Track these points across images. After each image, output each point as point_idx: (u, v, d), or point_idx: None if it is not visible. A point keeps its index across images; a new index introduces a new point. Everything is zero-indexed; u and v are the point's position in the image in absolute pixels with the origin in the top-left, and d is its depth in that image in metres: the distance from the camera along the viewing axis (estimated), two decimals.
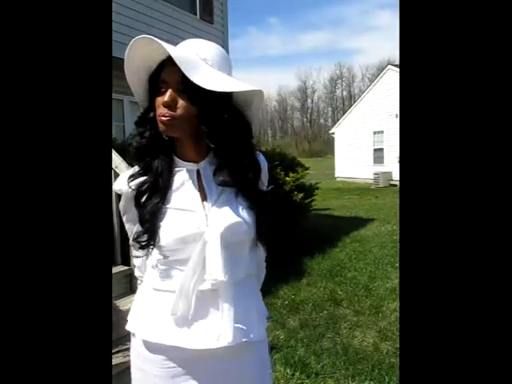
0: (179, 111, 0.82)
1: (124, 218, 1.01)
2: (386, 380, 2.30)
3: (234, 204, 0.88)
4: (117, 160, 2.57)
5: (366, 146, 16.37)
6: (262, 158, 0.96)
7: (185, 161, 0.90)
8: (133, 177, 0.90)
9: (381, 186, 14.13)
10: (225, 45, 7.62)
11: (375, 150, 15.95)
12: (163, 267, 0.92)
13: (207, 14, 7.17)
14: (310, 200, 5.58)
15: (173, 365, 0.92)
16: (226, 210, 0.86)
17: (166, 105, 0.82)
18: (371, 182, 14.80)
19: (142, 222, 0.89)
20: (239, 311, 0.88)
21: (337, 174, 18.18)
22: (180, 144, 0.89)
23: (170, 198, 0.88)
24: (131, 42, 0.83)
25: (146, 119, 0.88)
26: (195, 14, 6.98)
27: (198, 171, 0.90)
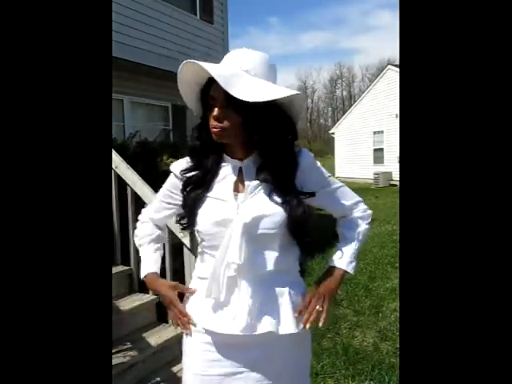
0: (226, 123, 0.95)
1: (159, 194, 1.16)
2: (386, 380, 2.30)
3: (267, 199, 0.97)
4: (117, 160, 2.57)
5: (366, 145, 16.37)
6: (304, 155, 1.04)
7: (232, 158, 1.03)
8: (185, 170, 1.05)
9: (381, 185, 14.12)
10: (225, 45, 7.62)
11: (375, 150, 15.95)
12: (202, 255, 1.06)
13: (207, 14, 7.17)
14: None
15: (208, 348, 1.02)
16: (258, 203, 0.97)
17: (215, 118, 0.95)
18: (371, 181, 14.79)
19: (184, 206, 1.04)
20: (263, 302, 0.97)
21: (337, 174, 18.17)
22: (229, 145, 1.02)
23: (212, 188, 1.01)
24: (181, 65, 0.95)
25: (202, 126, 1.02)
26: (195, 14, 6.97)
27: (240, 168, 1.02)
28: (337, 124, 19.29)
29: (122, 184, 2.62)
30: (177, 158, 3.98)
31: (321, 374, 2.37)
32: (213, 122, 0.96)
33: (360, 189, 13.74)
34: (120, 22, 5.26)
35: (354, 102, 18.96)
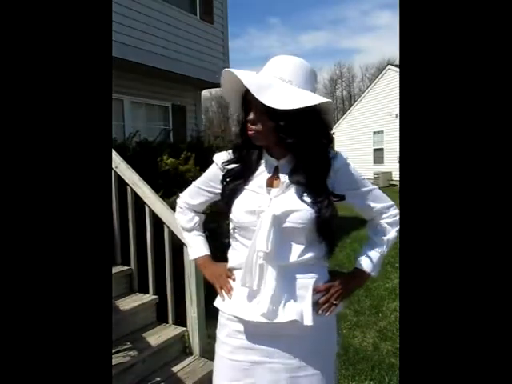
0: (259, 126, 1.03)
1: (198, 182, 1.25)
2: (386, 380, 2.30)
3: (298, 197, 1.04)
4: (117, 160, 2.57)
5: (366, 145, 16.37)
6: (339, 158, 1.10)
7: (270, 156, 1.10)
8: (227, 162, 1.15)
9: (381, 185, 14.11)
10: (225, 45, 7.62)
11: (375, 150, 15.95)
12: (234, 244, 1.14)
13: (207, 14, 7.16)
14: None
15: (238, 335, 1.10)
16: (289, 199, 1.04)
17: (250, 122, 1.04)
18: (371, 182, 14.78)
19: (222, 195, 1.14)
20: (288, 292, 1.03)
21: None
22: (266, 145, 1.10)
23: (249, 181, 1.10)
24: (222, 73, 1.04)
25: (244, 127, 1.09)
26: (195, 14, 6.97)
27: (276, 166, 1.09)
28: (337, 124, 19.28)
29: (122, 184, 2.62)
30: (177, 157, 3.96)
31: None
32: (249, 126, 1.04)
33: None
34: (120, 22, 5.26)
35: (354, 101, 18.95)
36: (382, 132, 15.46)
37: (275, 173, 1.09)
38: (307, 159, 1.05)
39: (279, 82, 0.99)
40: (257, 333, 1.07)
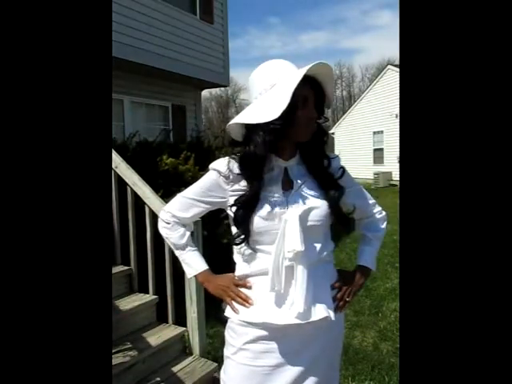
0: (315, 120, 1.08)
1: (190, 193, 1.17)
2: (386, 380, 2.30)
3: (312, 193, 1.08)
4: (117, 160, 2.57)
5: (366, 146, 16.36)
6: (335, 157, 1.17)
7: (279, 158, 1.11)
8: (236, 178, 1.09)
9: (381, 186, 14.11)
10: (225, 45, 7.61)
11: (375, 150, 15.94)
12: (252, 254, 1.09)
13: (207, 14, 7.16)
14: None
15: (258, 340, 1.07)
16: (305, 198, 1.07)
17: (312, 117, 1.06)
18: (371, 181, 14.79)
19: (238, 212, 1.07)
20: (314, 290, 1.04)
21: None
22: (283, 148, 1.10)
23: (262, 188, 1.07)
24: (318, 63, 1.01)
25: (285, 126, 1.04)
26: (195, 14, 6.97)
27: (285, 168, 1.11)
28: (337, 124, 19.28)
29: (122, 184, 2.62)
30: (177, 157, 3.95)
31: None
32: (311, 123, 1.06)
33: None
34: (120, 22, 5.26)
35: (354, 101, 18.95)
36: (381, 132, 15.46)
37: (285, 174, 1.11)
38: (310, 154, 1.11)
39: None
40: (281, 336, 1.06)
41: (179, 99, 7.31)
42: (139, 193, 2.52)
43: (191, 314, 2.41)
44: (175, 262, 2.50)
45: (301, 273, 1.02)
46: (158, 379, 2.18)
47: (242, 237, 1.06)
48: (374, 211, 1.25)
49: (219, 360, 2.39)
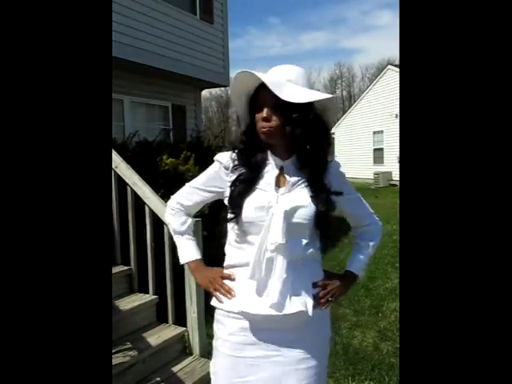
0: (274, 123, 1.10)
1: (196, 182, 1.26)
2: (386, 380, 2.30)
3: (303, 194, 1.13)
4: (117, 160, 2.57)
5: (366, 145, 16.36)
6: (334, 163, 1.20)
7: (276, 157, 1.16)
8: (234, 166, 1.17)
9: (381, 185, 14.10)
10: (225, 45, 7.61)
11: (375, 150, 15.94)
12: (239, 244, 1.16)
13: (207, 14, 7.16)
14: None
15: (243, 331, 1.12)
16: (296, 197, 1.12)
17: (264, 119, 1.09)
18: (371, 181, 14.78)
19: (231, 196, 1.15)
20: (294, 285, 1.08)
21: None
22: (274, 147, 1.16)
23: (257, 181, 1.14)
24: (235, 75, 1.10)
25: (250, 130, 1.16)
26: (195, 14, 6.96)
27: (282, 166, 1.16)
28: (337, 124, 19.27)
29: (122, 184, 2.62)
30: (177, 157, 3.95)
31: None
32: (262, 123, 1.10)
33: (360, 189, 13.70)
34: (120, 22, 5.26)
35: (354, 101, 18.95)
36: (381, 132, 15.46)
37: (281, 172, 1.16)
38: (309, 159, 1.14)
39: (289, 83, 1.09)
40: (262, 327, 1.11)
41: (179, 99, 7.31)
42: (139, 193, 2.52)
43: (191, 314, 2.41)
44: (175, 262, 2.50)
45: (280, 265, 1.07)
46: (158, 379, 2.18)
47: (233, 215, 1.14)
48: (370, 221, 1.28)
49: None
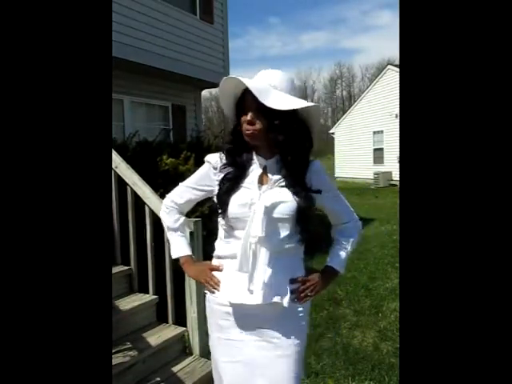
0: (257, 126, 1.16)
1: (188, 182, 1.37)
2: (386, 380, 2.30)
3: (284, 191, 1.20)
4: (117, 160, 2.57)
5: (366, 145, 16.35)
6: (315, 163, 1.27)
7: (260, 156, 1.24)
8: (222, 165, 1.26)
9: (381, 185, 14.10)
10: (225, 45, 7.60)
11: (375, 150, 15.94)
12: (226, 237, 1.26)
13: (207, 14, 7.15)
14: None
15: (228, 317, 1.24)
16: (276, 193, 1.19)
17: (248, 122, 1.16)
18: (371, 181, 14.78)
19: (219, 194, 1.23)
20: (273, 277, 1.16)
21: (337, 174, 18.15)
22: (258, 147, 1.23)
23: (242, 179, 1.22)
24: (223, 79, 1.17)
25: (236, 131, 1.24)
26: (195, 14, 6.96)
27: (265, 166, 1.23)
28: (337, 124, 19.27)
29: (122, 184, 2.62)
30: (177, 157, 3.95)
31: (321, 374, 2.37)
32: (246, 126, 1.17)
33: (360, 189, 13.74)
34: (120, 22, 5.26)
35: (354, 101, 18.95)
36: (381, 132, 15.45)
37: (264, 171, 1.23)
38: (291, 159, 1.20)
39: (273, 89, 1.15)
40: (245, 314, 1.21)
41: (179, 99, 7.30)
42: (139, 193, 2.52)
43: (191, 314, 2.41)
44: (175, 262, 2.50)
45: (263, 257, 1.16)
46: (158, 379, 2.18)
47: (220, 211, 1.23)
48: (349, 218, 1.35)
49: None
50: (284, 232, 1.20)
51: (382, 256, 4.88)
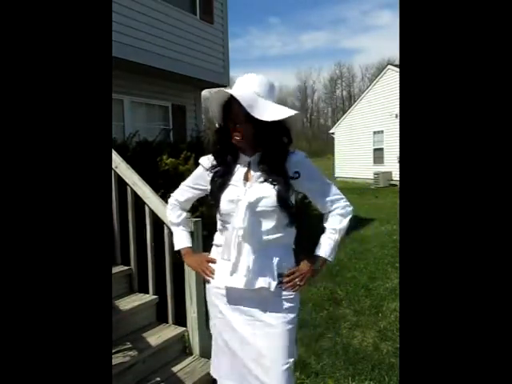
0: (245, 132, 1.29)
1: (187, 181, 1.54)
2: (386, 380, 2.30)
3: (266, 186, 1.31)
4: (117, 160, 2.57)
5: (366, 145, 16.35)
6: (297, 153, 1.37)
7: (244, 155, 1.36)
8: (212, 166, 1.41)
9: (381, 185, 14.10)
10: (225, 45, 7.60)
11: (375, 150, 15.93)
12: (220, 229, 1.42)
13: (207, 14, 7.15)
14: (309, 200, 5.55)
15: (223, 299, 1.38)
16: (260, 188, 1.31)
17: (237, 130, 1.29)
18: (371, 181, 14.78)
19: (212, 192, 1.39)
20: (260, 264, 1.29)
21: (337, 174, 18.15)
22: (243, 146, 1.36)
23: (230, 178, 1.36)
24: (213, 91, 1.30)
25: (222, 132, 1.37)
26: (195, 14, 6.95)
27: (249, 162, 1.36)
28: (337, 124, 19.26)
29: (122, 184, 2.62)
30: (177, 157, 3.95)
31: (321, 374, 2.37)
32: (236, 133, 1.29)
33: (360, 189, 13.73)
34: (120, 22, 5.26)
35: (354, 101, 18.94)
36: (381, 132, 15.45)
37: (248, 168, 1.36)
38: (271, 154, 1.32)
39: (259, 98, 1.26)
40: (237, 297, 1.35)
41: (179, 99, 7.30)
42: (139, 193, 2.52)
43: (191, 314, 2.41)
44: (175, 262, 2.50)
45: (246, 249, 1.29)
46: (158, 379, 2.18)
47: (213, 204, 1.38)
48: (335, 206, 1.40)
49: None
50: (270, 223, 1.31)
51: (381, 256, 4.88)
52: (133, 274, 2.69)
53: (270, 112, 1.24)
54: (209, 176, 1.41)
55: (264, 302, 1.34)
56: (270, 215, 1.31)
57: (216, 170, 1.40)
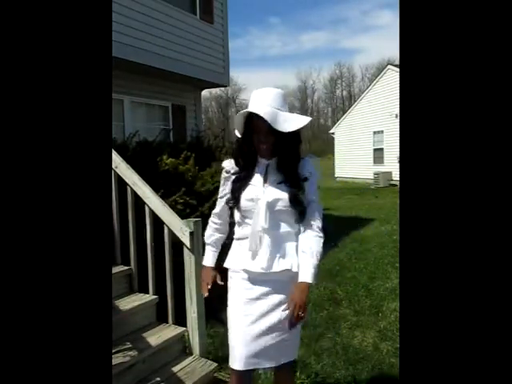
0: (269, 143, 1.49)
1: (219, 193, 1.67)
2: (386, 380, 2.30)
3: (281, 187, 1.51)
4: (117, 160, 2.57)
5: (366, 146, 16.34)
6: (308, 163, 1.57)
7: (263, 159, 1.56)
8: (235, 170, 1.59)
9: (381, 185, 14.10)
10: (225, 45, 7.60)
11: (375, 150, 15.93)
12: (240, 224, 1.59)
13: (207, 14, 7.15)
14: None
15: (244, 282, 1.56)
16: (276, 189, 1.51)
17: (263, 141, 1.48)
18: (371, 181, 14.78)
19: (233, 192, 1.57)
20: (278, 250, 1.51)
21: (337, 174, 18.15)
22: (262, 152, 1.54)
23: (250, 179, 1.55)
24: (242, 112, 1.49)
25: (245, 141, 1.54)
26: (195, 14, 6.95)
27: (267, 165, 1.55)
28: (337, 124, 19.26)
29: (122, 184, 2.62)
30: (177, 157, 3.94)
31: (321, 374, 2.37)
32: (261, 145, 1.49)
33: (360, 189, 13.74)
34: (120, 22, 5.26)
35: (354, 101, 18.94)
36: (381, 132, 15.45)
37: (266, 171, 1.55)
38: (287, 159, 1.52)
39: (278, 111, 1.44)
40: (254, 279, 1.53)
41: (179, 99, 7.30)
42: (139, 193, 2.52)
43: (191, 314, 2.41)
44: (175, 262, 2.50)
45: (266, 240, 1.50)
46: (158, 379, 2.18)
47: (233, 205, 1.57)
48: (315, 227, 1.55)
49: (219, 360, 2.39)
50: (285, 221, 1.52)
51: (381, 256, 4.88)
52: (133, 274, 2.69)
53: (289, 123, 1.44)
54: (231, 178, 1.59)
55: (280, 285, 1.52)
56: (285, 213, 1.51)
57: (237, 174, 1.58)
